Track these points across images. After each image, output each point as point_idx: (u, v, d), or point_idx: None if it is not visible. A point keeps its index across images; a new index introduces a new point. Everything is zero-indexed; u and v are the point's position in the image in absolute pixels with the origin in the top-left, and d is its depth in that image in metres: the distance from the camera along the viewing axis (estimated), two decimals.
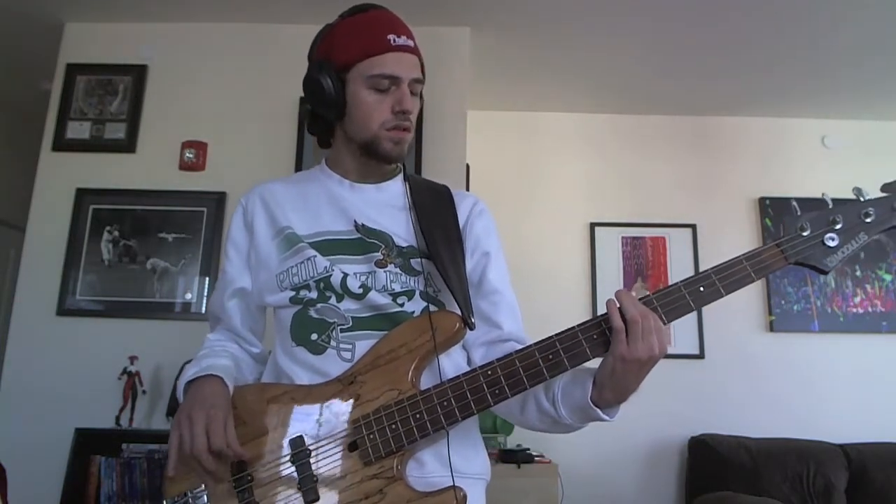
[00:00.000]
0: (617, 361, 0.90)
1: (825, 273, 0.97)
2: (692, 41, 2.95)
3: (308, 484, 0.93)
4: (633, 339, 0.89)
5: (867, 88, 3.33)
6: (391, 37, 1.05)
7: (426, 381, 0.99)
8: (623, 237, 3.51)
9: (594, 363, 0.96)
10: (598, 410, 0.94)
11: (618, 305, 0.92)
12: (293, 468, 0.94)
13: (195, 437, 0.91)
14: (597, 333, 0.94)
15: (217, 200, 2.71)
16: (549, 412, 0.99)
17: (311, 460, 0.94)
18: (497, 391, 0.93)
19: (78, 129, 2.78)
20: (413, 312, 1.04)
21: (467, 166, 2.91)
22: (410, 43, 1.08)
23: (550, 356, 0.93)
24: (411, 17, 1.18)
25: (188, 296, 2.64)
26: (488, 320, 1.10)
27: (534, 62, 3.18)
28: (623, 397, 0.94)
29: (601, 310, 0.92)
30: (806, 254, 0.96)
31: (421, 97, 1.15)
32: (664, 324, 0.93)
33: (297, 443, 0.96)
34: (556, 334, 0.95)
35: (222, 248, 2.61)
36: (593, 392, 0.94)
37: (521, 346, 0.99)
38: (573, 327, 0.95)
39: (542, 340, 0.95)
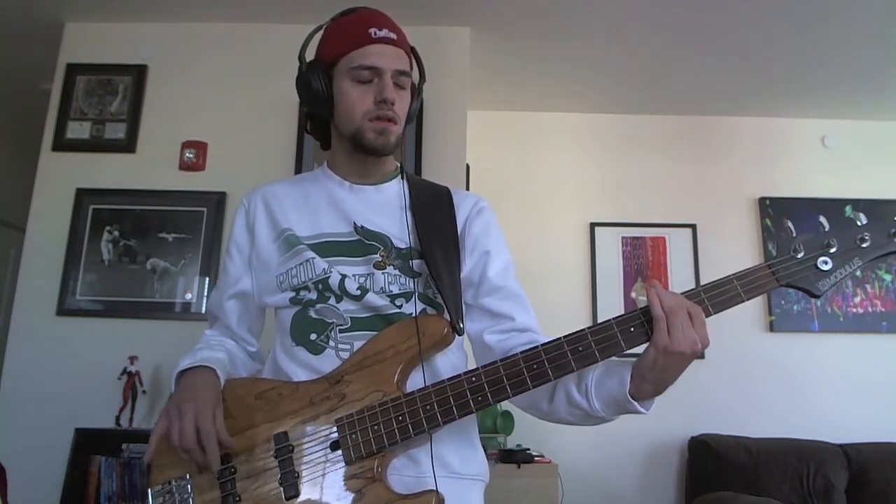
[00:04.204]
0: (659, 354, 0.89)
1: (816, 297, 0.97)
2: (692, 42, 2.94)
3: (289, 479, 0.94)
4: (675, 330, 0.88)
5: (867, 88, 3.32)
6: (372, 30, 1.07)
7: (418, 383, 0.99)
8: (623, 237, 3.51)
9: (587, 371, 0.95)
10: (636, 403, 0.93)
11: (657, 296, 0.91)
12: (276, 463, 0.96)
13: (184, 429, 0.92)
14: (582, 346, 0.93)
15: (217, 200, 2.71)
16: (580, 405, 0.98)
17: (294, 456, 0.96)
18: (480, 398, 0.94)
19: (78, 129, 2.78)
20: (411, 314, 1.04)
21: (467, 166, 2.91)
22: (393, 36, 1.08)
23: (535, 365, 0.93)
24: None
25: (188, 296, 2.64)
26: (496, 315, 1.09)
27: (534, 62, 3.17)
28: (661, 389, 0.93)
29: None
30: (798, 276, 0.95)
31: (419, 95, 1.16)
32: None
33: (281, 438, 0.97)
34: (543, 344, 0.95)
35: (223, 247, 2.62)
36: (631, 385, 0.93)
37: (537, 340, 0.99)
38: (559, 338, 0.94)
39: (530, 349, 0.95)
